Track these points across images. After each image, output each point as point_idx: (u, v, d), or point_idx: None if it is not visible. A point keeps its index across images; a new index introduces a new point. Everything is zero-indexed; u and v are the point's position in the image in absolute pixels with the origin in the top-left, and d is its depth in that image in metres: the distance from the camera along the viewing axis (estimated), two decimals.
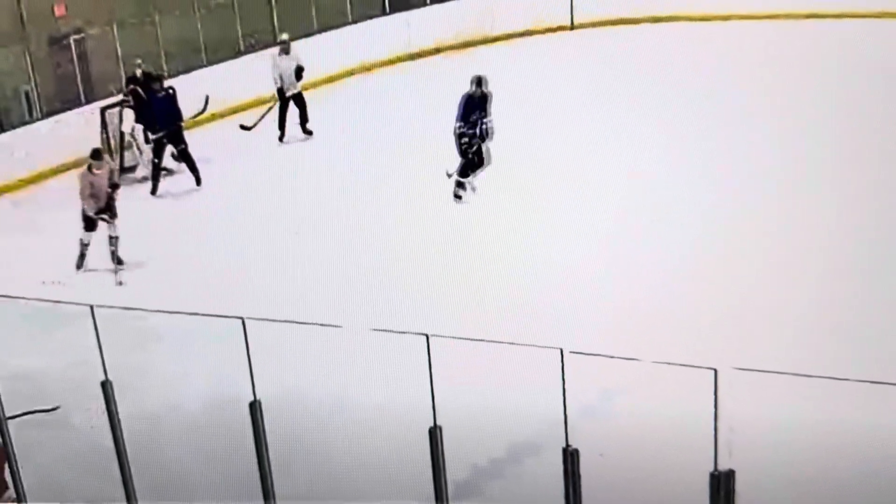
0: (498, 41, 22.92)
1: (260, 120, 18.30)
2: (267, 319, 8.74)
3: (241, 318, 8.65)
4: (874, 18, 20.91)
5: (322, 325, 8.73)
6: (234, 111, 19.04)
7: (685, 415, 7.88)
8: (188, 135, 16.85)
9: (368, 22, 22.34)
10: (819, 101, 16.70)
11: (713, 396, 7.22)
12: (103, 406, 8.70)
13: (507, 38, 22.95)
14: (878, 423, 8.34)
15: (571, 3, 23.36)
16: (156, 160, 16.66)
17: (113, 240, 13.83)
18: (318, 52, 20.98)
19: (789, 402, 8.39)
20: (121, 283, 13.41)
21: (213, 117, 18.34)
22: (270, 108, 18.33)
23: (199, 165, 16.70)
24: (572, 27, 23.44)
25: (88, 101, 19.01)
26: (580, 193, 14.19)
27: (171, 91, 16.85)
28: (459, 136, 14.25)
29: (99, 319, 9.02)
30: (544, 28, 23.20)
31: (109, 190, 13.92)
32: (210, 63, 20.29)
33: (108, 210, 13.91)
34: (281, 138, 18.27)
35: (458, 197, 14.43)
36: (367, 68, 19.99)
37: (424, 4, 23.42)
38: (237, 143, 17.88)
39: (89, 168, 13.81)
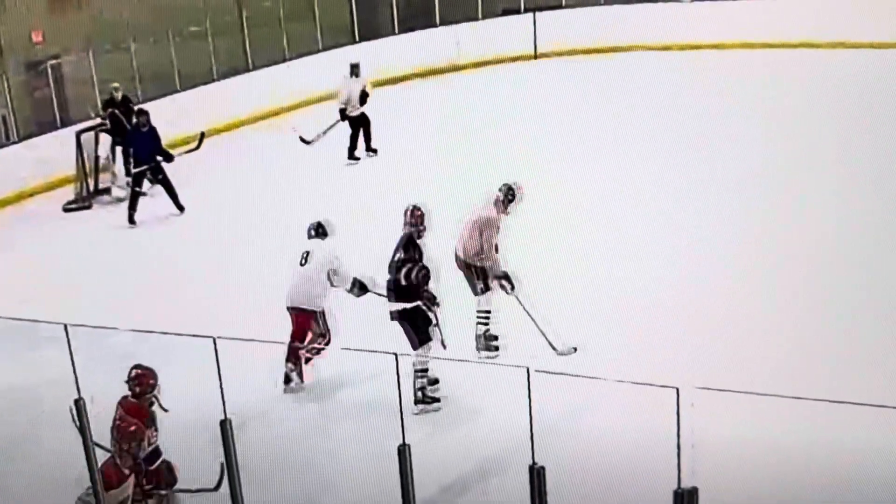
0: (464, 69, 23.08)
1: (321, 135, 18.38)
2: (239, 339, 8.82)
3: (213, 337, 8.74)
4: (859, 49, 21.26)
5: (292, 344, 8.83)
6: (207, 136, 19.07)
7: (649, 433, 8.03)
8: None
9: (338, 50, 22.51)
10: (790, 129, 16.91)
11: (676, 415, 7.36)
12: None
13: (473, 67, 23.14)
14: (840, 442, 8.49)
15: (535, 32, 23.58)
16: (136, 188, 16.66)
17: None
18: (289, 79, 21.16)
19: (752, 421, 8.54)
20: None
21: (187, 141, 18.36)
22: (332, 126, 18.44)
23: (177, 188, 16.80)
24: (535, 57, 23.63)
25: (64, 125, 19.17)
26: (544, 213, 14.33)
27: (152, 127, 16.88)
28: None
29: (73, 338, 9.10)
30: (508, 57, 23.40)
31: None
32: (184, 88, 20.34)
33: None
34: (351, 156, 18.27)
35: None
36: (336, 96, 20.06)
37: (393, 33, 23.62)
38: (213, 165, 17.95)
39: None
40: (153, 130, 16.83)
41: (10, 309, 10.47)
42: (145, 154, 16.51)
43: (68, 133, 18.43)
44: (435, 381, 10.09)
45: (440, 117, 17.68)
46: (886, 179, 14.48)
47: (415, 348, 9.97)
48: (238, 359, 8.75)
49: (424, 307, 9.98)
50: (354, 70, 18.60)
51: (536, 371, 7.69)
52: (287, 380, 10.47)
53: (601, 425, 8.81)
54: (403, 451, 8.25)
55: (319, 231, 11.00)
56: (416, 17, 24.01)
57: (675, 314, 11.27)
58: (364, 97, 18.42)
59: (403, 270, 9.96)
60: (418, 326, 10.01)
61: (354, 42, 23.26)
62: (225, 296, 12.97)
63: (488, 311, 10.99)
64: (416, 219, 10.09)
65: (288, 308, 10.61)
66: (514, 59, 23.47)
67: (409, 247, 10.05)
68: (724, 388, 7.30)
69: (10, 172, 18.21)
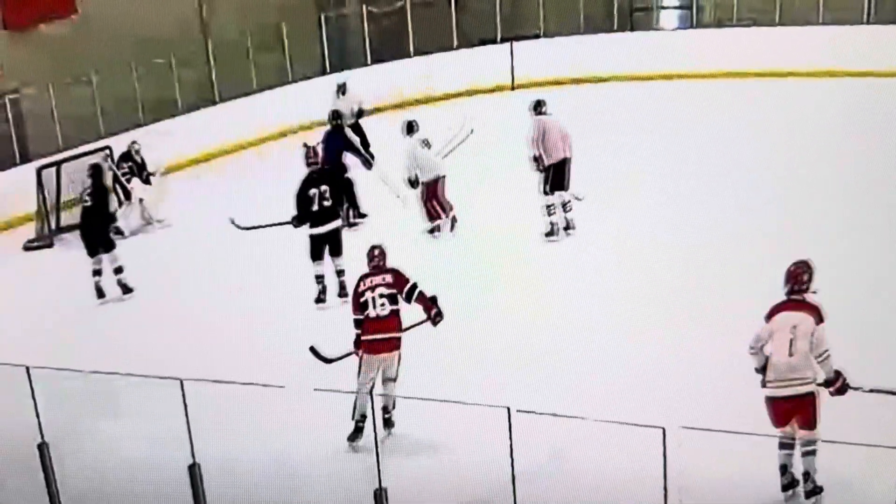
0: (439, 101, 22.98)
1: None
2: (206, 380, 8.60)
3: (180, 380, 8.51)
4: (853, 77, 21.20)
5: (265, 385, 8.61)
6: (170, 170, 18.84)
7: (635, 473, 7.83)
8: None
9: (308, 81, 22.37)
10: (770, 159, 16.84)
11: (662, 455, 7.17)
12: None
13: (448, 98, 23.03)
14: (827, 481, 8.33)
15: (512, 63, 23.53)
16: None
17: None
18: (256, 112, 20.95)
19: (738, 461, 8.35)
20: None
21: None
22: None
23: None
24: (513, 87, 23.58)
25: (24, 161, 18.82)
26: (522, 253, 14.18)
27: None
28: None
29: (35, 380, 8.86)
30: (485, 88, 23.33)
31: None
32: (147, 122, 20.12)
33: None
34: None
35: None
36: (307, 127, 19.88)
37: (365, 64, 23.51)
38: (179, 199, 17.74)
39: None
40: None
41: None
42: None
43: (28, 169, 18.05)
44: None
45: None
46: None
47: None
48: (206, 402, 8.57)
49: None
50: (341, 89, 18.53)
51: (518, 412, 7.52)
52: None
53: (585, 466, 8.54)
54: (380, 495, 8.10)
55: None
56: (389, 48, 23.84)
57: (663, 353, 11.06)
58: (360, 113, 18.41)
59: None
60: None
61: (325, 73, 23.10)
62: (193, 336, 12.68)
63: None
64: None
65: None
66: (492, 91, 23.38)
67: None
68: (711, 428, 7.15)
69: None
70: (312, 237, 13.11)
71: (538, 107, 14.82)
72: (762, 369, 8.62)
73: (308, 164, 13.21)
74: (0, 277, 16.11)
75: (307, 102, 19.84)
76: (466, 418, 8.16)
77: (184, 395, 8.46)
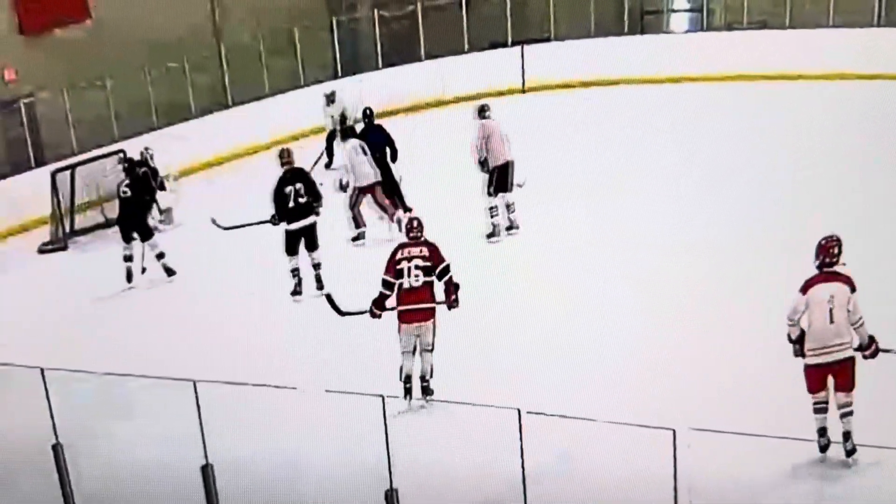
0: (450, 104, 23.02)
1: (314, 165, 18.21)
2: (219, 382, 8.66)
3: (193, 381, 8.56)
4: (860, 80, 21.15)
5: (277, 386, 8.66)
6: (184, 174, 18.94)
7: (645, 474, 7.86)
8: None
9: (320, 85, 22.41)
10: (778, 161, 16.82)
11: (672, 457, 7.20)
12: None
13: (459, 101, 23.06)
14: (838, 485, 8.36)
15: (523, 66, 23.54)
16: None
17: None
18: (268, 115, 21.01)
19: (748, 462, 8.38)
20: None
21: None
22: (321, 157, 18.87)
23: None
24: (524, 91, 23.60)
25: (38, 165, 18.95)
26: (532, 254, 14.19)
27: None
28: None
29: (49, 382, 8.93)
30: (496, 91, 23.33)
31: None
32: (161, 126, 20.19)
33: None
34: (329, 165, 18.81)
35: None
36: (319, 130, 19.95)
37: (376, 68, 23.54)
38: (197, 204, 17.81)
39: None
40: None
41: None
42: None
43: (43, 173, 18.18)
44: None
45: (426, 153, 17.50)
46: None
47: None
48: (219, 403, 8.63)
49: None
50: (330, 98, 18.94)
51: (528, 413, 7.56)
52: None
53: (595, 468, 8.57)
54: (391, 496, 8.13)
55: None
56: (401, 52, 23.83)
57: (672, 354, 11.05)
58: (344, 119, 18.74)
59: None
60: None
61: (337, 77, 23.15)
62: (205, 338, 12.72)
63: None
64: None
65: None
66: (502, 94, 23.37)
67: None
68: (721, 430, 7.18)
69: None
70: (288, 232, 13.63)
71: (482, 111, 15.11)
72: (797, 340, 9.05)
73: (282, 165, 13.73)
74: (15, 280, 16.21)
75: (319, 106, 19.86)
76: (477, 420, 8.21)
77: (197, 397, 8.52)
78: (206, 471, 8.74)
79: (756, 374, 10.33)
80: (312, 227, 13.69)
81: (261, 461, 9.45)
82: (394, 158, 15.94)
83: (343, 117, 18.63)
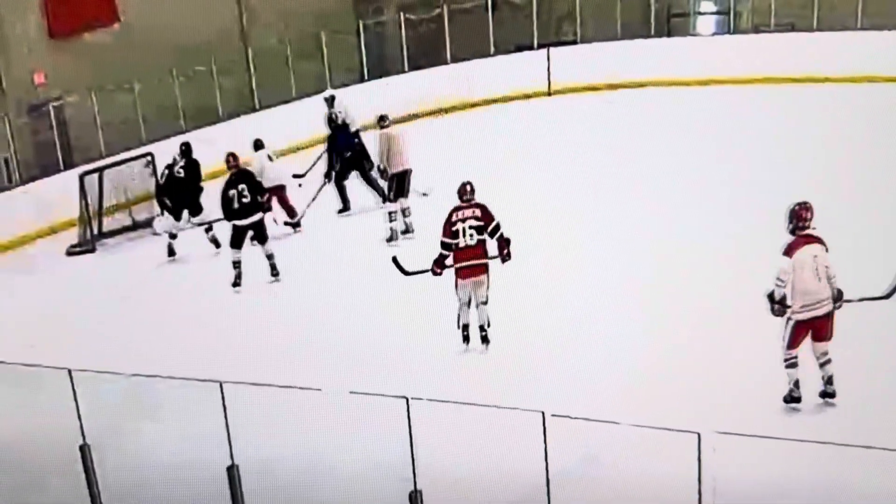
0: (476, 107, 23.05)
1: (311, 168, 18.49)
2: (245, 383, 8.70)
3: (219, 382, 8.62)
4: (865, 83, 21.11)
5: (301, 388, 8.70)
6: (214, 176, 19.01)
7: (668, 477, 7.86)
8: None
9: (346, 89, 22.47)
10: (805, 164, 16.72)
11: (697, 460, 7.19)
12: None
13: (485, 104, 23.09)
14: (861, 487, 8.31)
15: (549, 69, 23.52)
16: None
17: None
18: (295, 119, 21.07)
19: (773, 466, 8.35)
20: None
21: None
22: (319, 159, 18.67)
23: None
24: (549, 93, 23.59)
25: (67, 168, 19.09)
26: (560, 257, 14.18)
27: None
28: None
29: (77, 383, 8.99)
30: (522, 94, 23.35)
31: None
32: (188, 129, 20.28)
33: None
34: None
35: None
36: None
37: (403, 71, 23.59)
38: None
39: None
40: None
41: (13, 354, 10.38)
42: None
43: (71, 175, 18.30)
44: None
45: (451, 155, 17.52)
46: None
47: None
48: (245, 404, 8.67)
49: None
50: (329, 102, 18.84)
51: (553, 416, 7.56)
52: None
53: (619, 471, 8.59)
54: (415, 497, 8.14)
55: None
56: (427, 55, 23.85)
57: (695, 359, 11.04)
58: (331, 120, 18.53)
59: None
60: None
61: (363, 80, 23.23)
62: (230, 340, 12.79)
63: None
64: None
65: None
66: (528, 97, 23.38)
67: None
68: (746, 433, 7.16)
69: (12, 216, 18.10)
70: (235, 227, 14.70)
71: (381, 121, 16.12)
72: (781, 300, 9.83)
73: (228, 168, 14.89)
74: (44, 281, 16.33)
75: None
76: (501, 422, 8.21)
77: (223, 398, 8.57)
78: (232, 471, 8.78)
79: (779, 376, 10.32)
80: (259, 223, 14.73)
81: (286, 462, 9.50)
82: (363, 158, 17.07)
83: (331, 118, 18.48)
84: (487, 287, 11.75)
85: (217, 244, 16.11)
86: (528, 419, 7.66)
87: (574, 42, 24.24)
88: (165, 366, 10.01)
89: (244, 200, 14.52)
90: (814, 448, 8.46)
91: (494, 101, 23.24)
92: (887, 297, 10.08)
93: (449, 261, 11.72)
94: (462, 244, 11.60)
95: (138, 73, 20.22)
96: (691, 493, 7.34)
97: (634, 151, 17.94)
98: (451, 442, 9.76)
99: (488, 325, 11.84)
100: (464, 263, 11.64)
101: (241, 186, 14.52)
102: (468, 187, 11.76)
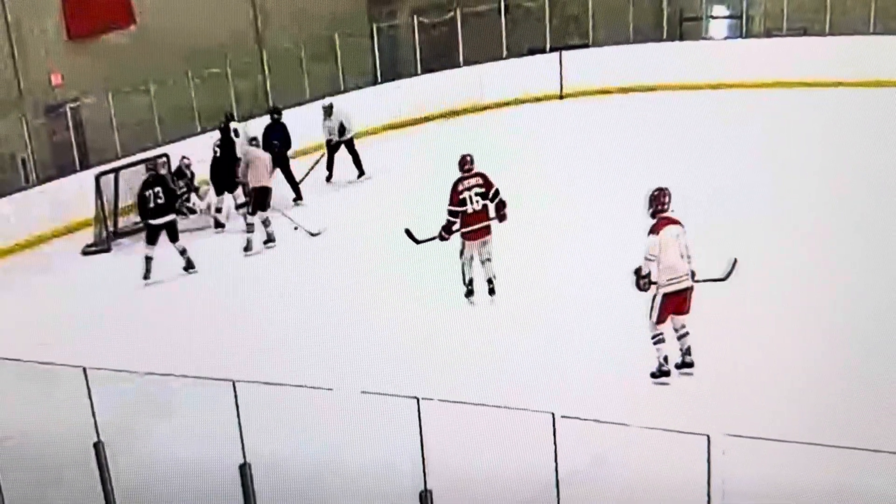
0: (487, 110, 23.10)
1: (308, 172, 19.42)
2: (257, 382, 8.75)
3: (232, 381, 8.67)
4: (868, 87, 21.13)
5: (313, 387, 8.75)
6: None
7: (678, 479, 7.89)
8: None
9: (359, 91, 22.58)
10: (816, 169, 16.73)
11: (706, 462, 7.22)
12: None
13: (497, 107, 23.14)
14: (872, 490, 8.33)
15: (560, 72, 23.55)
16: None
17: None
18: (309, 121, 21.15)
19: (782, 469, 8.38)
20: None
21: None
22: (317, 163, 19.66)
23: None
24: (561, 97, 23.63)
25: (83, 168, 19.23)
26: (569, 259, 14.21)
27: None
28: None
29: (91, 381, 9.05)
30: (533, 97, 23.39)
31: None
32: (203, 131, 20.38)
33: None
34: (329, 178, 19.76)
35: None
36: (361, 135, 20.09)
37: (415, 74, 23.65)
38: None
39: None
40: None
41: (28, 352, 10.45)
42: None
43: (87, 176, 18.46)
44: None
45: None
46: None
47: None
48: (257, 403, 8.72)
49: None
50: (327, 111, 19.31)
51: (563, 417, 7.60)
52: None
53: (629, 473, 8.63)
54: (425, 497, 8.17)
55: None
56: (439, 58, 23.94)
57: (705, 362, 11.03)
58: (343, 130, 19.21)
59: None
60: None
61: (376, 83, 23.32)
62: (244, 340, 12.87)
63: None
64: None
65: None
66: (540, 100, 23.44)
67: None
68: (756, 436, 7.18)
69: (29, 215, 18.26)
70: (150, 226, 15.67)
71: (251, 141, 17.35)
72: (647, 275, 10.72)
73: (147, 171, 16.29)
74: (59, 281, 16.42)
75: (358, 112, 20.01)
76: (511, 423, 8.25)
77: (236, 397, 8.62)
78: (244, 470, 8.82)
79: (791, 378, 10.36)
80: (172, 223, 15.78)
81: (298, 461, 9.53)
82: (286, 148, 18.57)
83: (342, 128, 19.14)
84: (490, 244, 12.94)
85: (220, 225, 17.69)
86: (538, 420, 7.70)
87: (586, 45, 24.29)
88: (179, 364, 10.08)
89: (159, 202, 15.52)
90: (825, 451, 8.50)
91: (506, 103, 23.30)
92: (724, 279, 11.03)
93: (455, 227, 12.83)
94: (470, 210, 12.77)
95: (154, 75, 20.36)
96: (700, 495, 7.35)
97: (646, 155, 17.95)
98: (462, 442, 9.85)
99: (494, 278, 13.02)
100: (473, 227, 12.81)
101: (157, 189, 15.55)
102: (468, 158, 12.91)
